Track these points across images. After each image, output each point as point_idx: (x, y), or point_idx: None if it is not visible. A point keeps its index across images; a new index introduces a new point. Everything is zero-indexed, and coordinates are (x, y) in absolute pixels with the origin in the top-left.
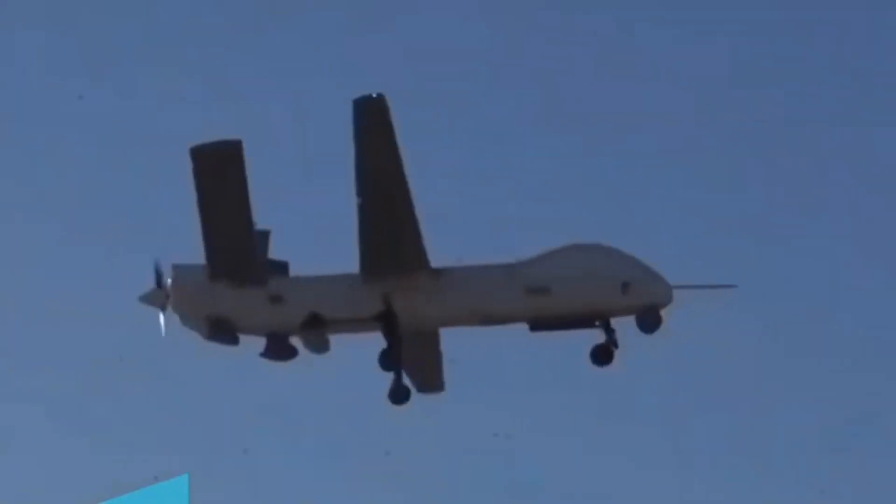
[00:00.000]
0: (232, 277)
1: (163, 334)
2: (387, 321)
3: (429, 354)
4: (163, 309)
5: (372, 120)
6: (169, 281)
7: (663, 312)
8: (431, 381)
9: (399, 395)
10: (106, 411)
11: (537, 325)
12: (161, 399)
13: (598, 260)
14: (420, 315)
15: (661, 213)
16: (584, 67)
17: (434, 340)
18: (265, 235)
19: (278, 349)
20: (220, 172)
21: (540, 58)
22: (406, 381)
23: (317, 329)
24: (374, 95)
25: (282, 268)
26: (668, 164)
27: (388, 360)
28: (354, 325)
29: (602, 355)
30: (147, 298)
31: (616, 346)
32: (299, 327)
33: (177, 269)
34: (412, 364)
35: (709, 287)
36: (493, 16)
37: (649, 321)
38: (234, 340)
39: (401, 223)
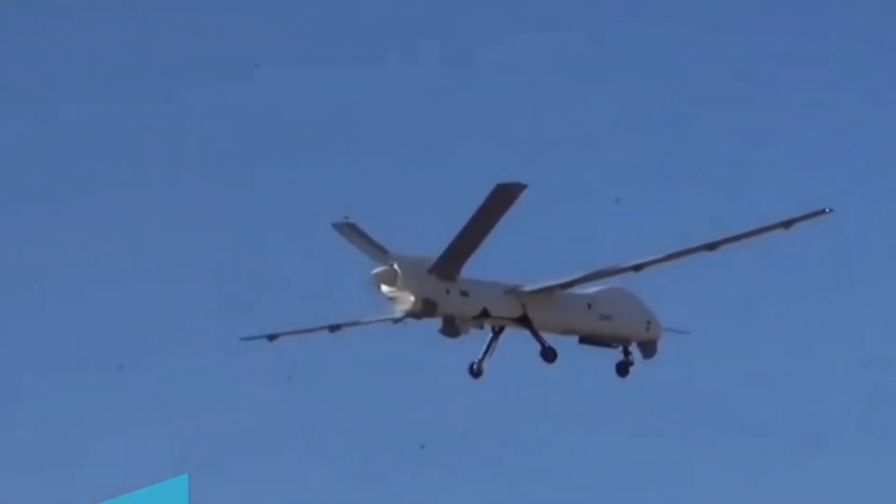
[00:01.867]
0: (441, 273)
1: (389, 306)
2: (522, 322)
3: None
4: (390, 284)
5: (508, 203)
6: (395, 266)
7: (658, 345)
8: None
9: (548, 356)
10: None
11: (587, 339)
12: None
13: (636, 303)
14: (538, 321)
15: None
16: None
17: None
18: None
19: (450, 329)
20: (502, 203)
21: None
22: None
23: (482, 320)
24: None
25: None
26: None
27: (537, 339)
28: (501, 321)
29: (623, 369)
30: (380, 275)
31: (632, 363)
32: (471, 316)
33: (404, 257)
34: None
35: (671, 329)
36: None
37: (651, 351)
38: (433, 316)
39: None
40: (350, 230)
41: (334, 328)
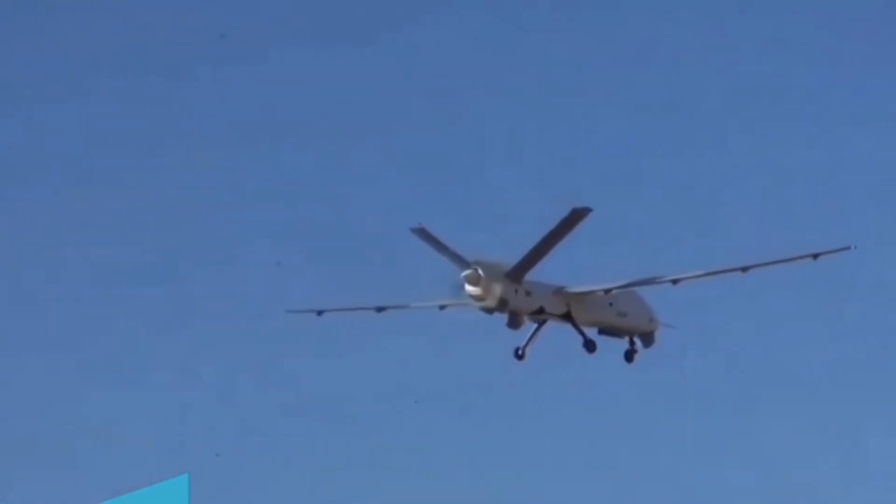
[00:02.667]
0: (513, 277)
1: (474, 302)
2: (566, 318)
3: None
4: (475, 285)
5: (576, 223)
6: (479, 270)
7: (656, 336)
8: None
9: (590, 348)
10: None
11: (604, 331)
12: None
13: (643, 303)
14: (577, 317)
15: None
16: None
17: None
18: None
19: (514, 322)
20: (571, 223)
21: None
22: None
23: (538, 315)
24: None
25: None
26: None
27: (579, 333)
28: (551, 317)
29: (630, 356)
30: (468, 278)
31: (637, 351)
32: (530, 312)
33: (488, 264)
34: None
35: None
36: None
37: (650, 341)
38: (504, 312)
39: None
40: (423, 234)
41: (380, 309)
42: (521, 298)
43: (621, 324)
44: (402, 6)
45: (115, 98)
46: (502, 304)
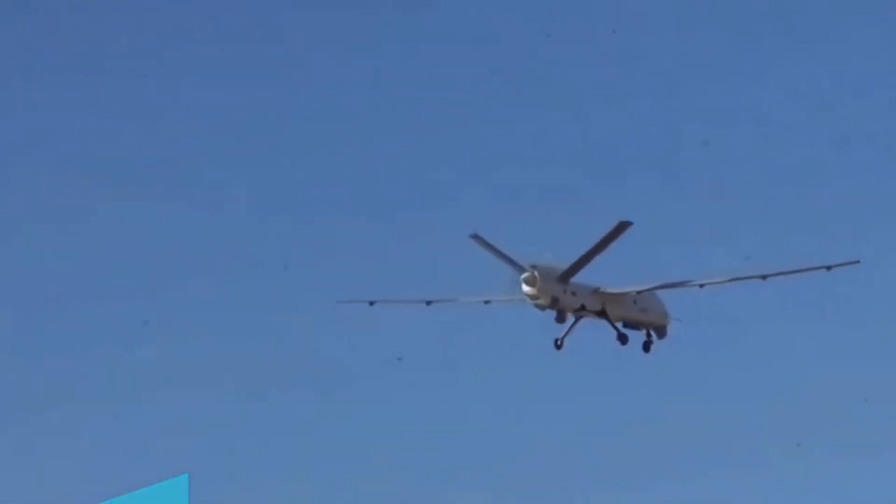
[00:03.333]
0: (564, 278)
1: (529, 300)
2: (601, 314)
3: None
4: (531, 286)
5: (620, 234)
6: (535, 272)
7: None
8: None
9: (623, 340)
10: None
11: (628, 325)
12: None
13: (658, 300)
14: (609, 313)
15: None
16: None
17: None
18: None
19: (561, 318)
20: (616, 234)
21: None
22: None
23: (579, 312)
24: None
25: None
26: None
27: (613, 327)
28: (589, 313)
29: (647, 347)
30: (527, 280)
31: (653, 342)
32: (574, 309)
33: (543, 267)
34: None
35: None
36: None
37: (663, 333)
38: (554, 309)
39: None
40: (479, 241)
41: (429, 302)
42: (568, 298)
43: (643, 318)
44: None
45: None
46: (554, 303)
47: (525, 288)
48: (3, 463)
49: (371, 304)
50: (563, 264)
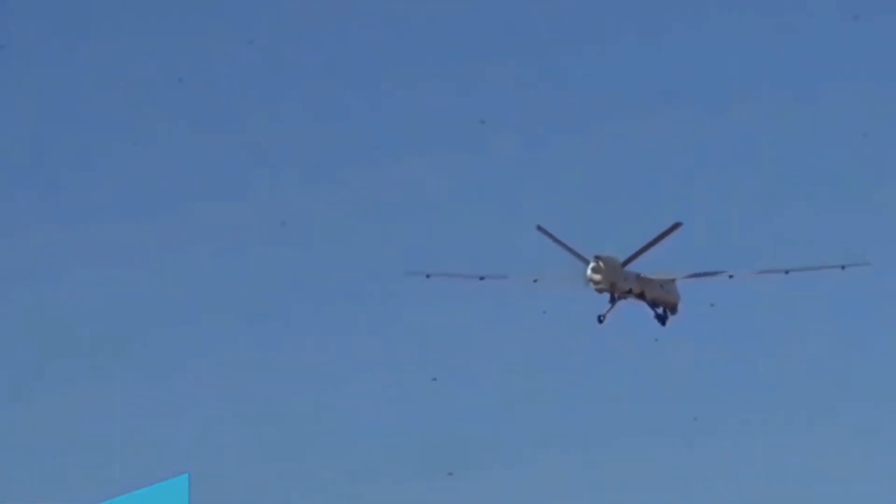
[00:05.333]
0: (621, 267)
1: (593, 286)
2: (640, 296)
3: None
4: (598, 273)
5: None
6: (600, 262)
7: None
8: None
9: (662, 320)
10: None
11: (654, 304)
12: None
13: (674, 284)
14: (645, 294)
15: None
16: None
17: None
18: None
19: (614, 300)
20: (668, 233)
21: None
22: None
23: (630, 296)
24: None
25: None
26: None
27: (653, 308)
28: (631, 295)
29: (663, 321)
30: (593, 268)
31: (668, 317)
32: (624, 292)
33: (605, 258)
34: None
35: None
36: None
37: (675, 310)
38: (614, 295)
39: None
40: (543, 232)
41: (482, 278)
42: (622, 283)
43: (666, 298)
44: None
45: None
46: (613, 287)
47: (591, 275)
48: (3, 463)
49: (427, 276)
50: (607, 252)
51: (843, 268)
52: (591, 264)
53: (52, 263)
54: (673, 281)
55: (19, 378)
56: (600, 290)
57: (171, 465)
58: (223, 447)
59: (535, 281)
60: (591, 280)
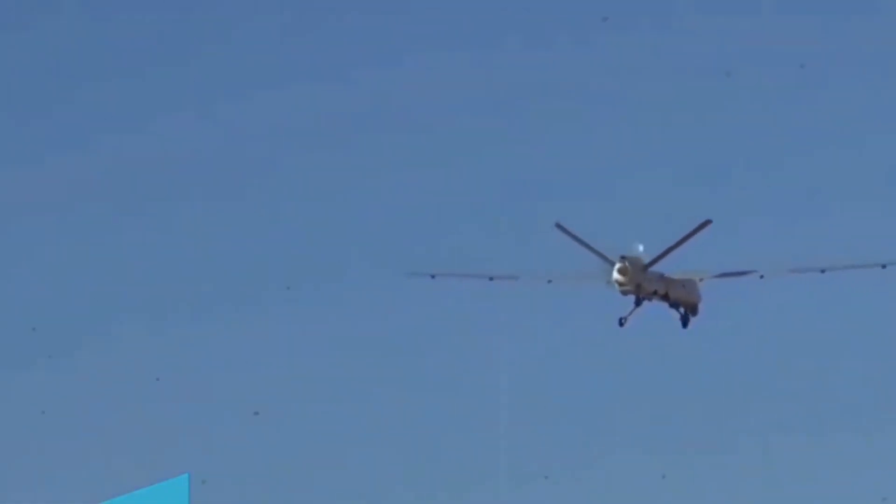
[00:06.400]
0: (646, 268)
1: (618, 286)
2: (664, 297)
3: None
4: (623, 275)
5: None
6: (626, 263)
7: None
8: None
9: (685, 321)
10: None
11: (675, 304)
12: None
13: (696, 285)
14: (668, 295)
15: None
16: None
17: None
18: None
19: (639, 301)
20: (697, 231)
21: None
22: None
23: (653, 297)
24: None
25: None
26: None
27: (676, 309)
28: (655, 296)
29: (686, 323)
30: (619, 270)
31: (690, 319)
32: (648, 293)
33: (631, 258)
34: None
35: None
36: None
37: (696, 311)
38: (639, 297)
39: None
40: (561, 230)
41: (492, 278)
42: (647, 284)
43: (688, 299)
44: None
45: None
46: (638, 289)
47: (617, 276)
48: (3, 463)
49: (432, 277)
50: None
51: (883, 266)
52: (618, 265)
53: (45, 255)
54: (694, 281)
55: (19, 377)
56: (625, 292)
57: (171, 465)
58: (223, 447)
59: (549, 282)
60: (617, 281)
